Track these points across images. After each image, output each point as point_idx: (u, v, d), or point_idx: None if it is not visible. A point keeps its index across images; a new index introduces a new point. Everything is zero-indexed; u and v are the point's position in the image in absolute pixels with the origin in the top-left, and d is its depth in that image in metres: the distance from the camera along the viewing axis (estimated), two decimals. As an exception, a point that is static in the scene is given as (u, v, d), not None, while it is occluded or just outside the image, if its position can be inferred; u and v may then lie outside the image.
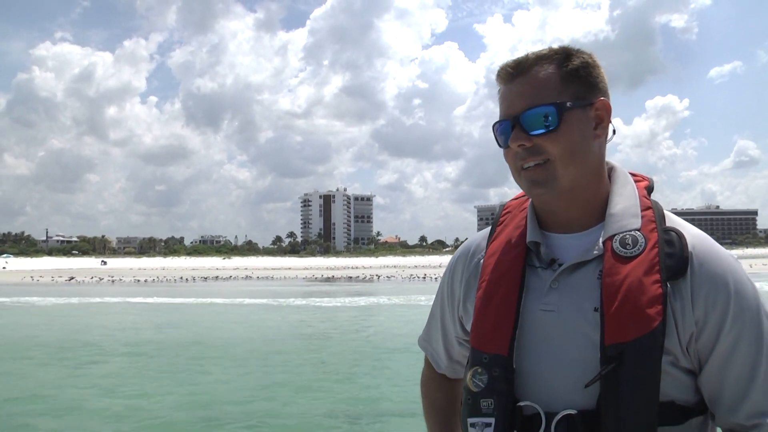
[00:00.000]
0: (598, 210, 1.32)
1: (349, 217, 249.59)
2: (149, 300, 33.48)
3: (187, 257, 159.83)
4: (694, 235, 1.26)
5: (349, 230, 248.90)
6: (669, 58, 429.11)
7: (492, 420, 1.25)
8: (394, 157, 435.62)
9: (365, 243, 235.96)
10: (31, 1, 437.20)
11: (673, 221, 1.29)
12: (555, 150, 1.25)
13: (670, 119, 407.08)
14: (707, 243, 1.25)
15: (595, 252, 1.26)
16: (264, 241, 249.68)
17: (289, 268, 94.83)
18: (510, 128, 1.28)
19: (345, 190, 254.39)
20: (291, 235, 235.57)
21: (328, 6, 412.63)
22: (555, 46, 1.32)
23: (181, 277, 65.48)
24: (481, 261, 1.43)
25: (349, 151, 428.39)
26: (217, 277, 68.31)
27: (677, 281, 1.19)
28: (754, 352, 1.17)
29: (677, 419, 1.20)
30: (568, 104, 1.26)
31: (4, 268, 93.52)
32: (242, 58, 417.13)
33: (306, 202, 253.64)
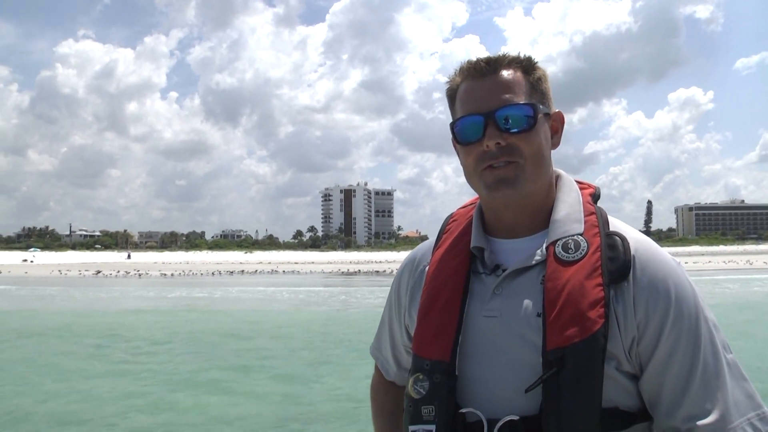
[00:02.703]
0: (544, 216, 1.33)
1: (370, 211, 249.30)
2: (195, 294, 33.24)
3: (209, 251, 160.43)
4: (636, 239, 1.27)
5: (370, 225, 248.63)
6: (693, 50, 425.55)
7: (433, 427, 1.23)
8: (414, 152, 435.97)
9: (386, 237, 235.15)
10: (54, 1, 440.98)
11: (617, 226, 1.30)
12: (528, 150, 1.26)
13: (693, 112, 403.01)
14: (650, 247, 1.26)
15: (538, 257, 1.27)
16: (284, 235, 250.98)
17: (312, 262, 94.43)
18: (483, 124, 1.26)
19: (366, 184, 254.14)
20: (312, 229, 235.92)
21: (347, 0, 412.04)
22: (521, 54, 1.32)
23: (211, 272, 65.40)
24: (426, 269, 1.43)
25: (368, 145, 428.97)
26: (242, 271, 67.97)
27: (620, 285, 1.20)
28: (690, 357, 1.18)
29: (621, 425, 1.19)
30: (540, 107, 1.29)
31: (32, 261, 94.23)
32: (261, 54, 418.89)
33: (327, 197, 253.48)
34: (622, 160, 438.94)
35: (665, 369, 1.19)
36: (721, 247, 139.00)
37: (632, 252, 1.23)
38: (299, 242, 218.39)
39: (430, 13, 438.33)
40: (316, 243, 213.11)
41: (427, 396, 1.25)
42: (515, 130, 1.25)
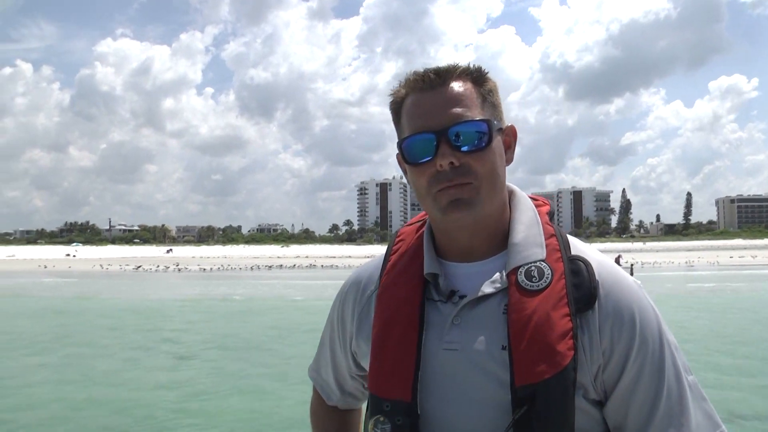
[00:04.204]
0: (500, 237, 1.26)
1: (406, 204, 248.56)
2: (241, 290, 33.07)
3: (246, 245, 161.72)
4: (600, 262, 1.22)
5: (406, 218, 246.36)
6: (736, 35, 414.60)
7: None
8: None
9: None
10: (93, 1, 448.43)
11: (578, 249, 1.25)
12: (483, 170, 1.18)
13: (736, 101, 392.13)
14: (613, 271, 1.22)
15: (499, 285, 1.20)
16: (320, 229, 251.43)
17: (349, 257, 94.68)
18: (434, 143, 1.17)
19: (401, 178, 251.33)
20: (348, 223, 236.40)
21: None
22: (471, 65, 1.24)
23: (250, 267, 65.78)
24: (374, 294, 1.33)
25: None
26: (281, 265, 68.55)
27: (585, 313, 1.16)
28: (656, 382, 1.16)
29: None
30: (494, 122, 1.21)
31: (74, 256, 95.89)
32: (295, 48, 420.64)
33: (363, 191, 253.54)
34: (660, 151, 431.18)
35: (631, 396, 1.17)
36: (766, 241, 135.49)
37: (596, 277, 1.19)
38: (335, 236, 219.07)
39: (464, 4, 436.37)
40: (352, 237, 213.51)
41: None
42: (469, 148, 1.17)
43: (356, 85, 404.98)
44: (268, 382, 10.80)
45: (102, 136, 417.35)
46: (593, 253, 1.25)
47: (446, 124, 1.17)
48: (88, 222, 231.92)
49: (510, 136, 1.28)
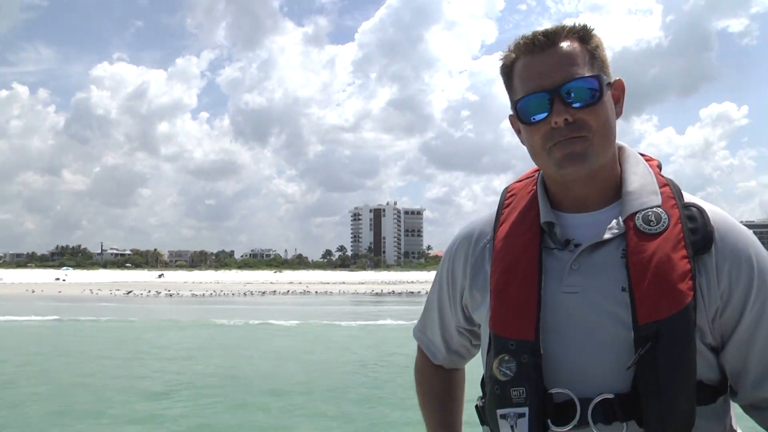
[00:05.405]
0: (612, 189, 1.30)
1: (400, 230, 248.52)
2: (243, 321, 32.10)
3: (239, 270, 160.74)
4: (713, 210, 1.25)
5: (400, 244, 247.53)
6: (726, 64, 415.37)
7: (525, 410, 1.19)
8: (443, 171, 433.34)
9: (416, 257, 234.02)
10: (90, 25, 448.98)
11: (690, 197, 1.28)
12: (597, 124, 1.22)
13: (726, 128, 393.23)
14: (727, 217, 1.25)
15: (616, 231, 1.23)
16: (313, 254, 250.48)
17: (343, 282, 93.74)
18: (548, 101, 1.22)
19: (395, 204, 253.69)
20: (341, 248, 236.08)
21: (376, 19, 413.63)
22: (576, 23, 1.27)
23: (243, 292, 64.76)
24: (488, 246, 1.38)
25: (397, 164, 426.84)
26: (274, 291, 67.44)
27: (702, 256, 1.18)
28: None
29: (707, 399, 1.18)
30: (604, 77, 1.25)
31: (63, 280, 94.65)
32: (290, 73, 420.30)
33: (356, 216, 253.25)
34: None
35: (751, 339, 1.18)
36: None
37: (711, 223, 1.21)
38: (328, 262, 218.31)
39: (459, 31, 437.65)
40: (345, 263, 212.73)
41: (515, 377, 1.20)
42: (582, 104, 1.21)
43: (350, 110, 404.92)
44: (267, 412, 10.24)
45: (96, 160, 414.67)
46: (705, 203, 1.27)
47: (559, 82, 1.21)
48: (79, 246, 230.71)
49: (618, 90, 1.31)
